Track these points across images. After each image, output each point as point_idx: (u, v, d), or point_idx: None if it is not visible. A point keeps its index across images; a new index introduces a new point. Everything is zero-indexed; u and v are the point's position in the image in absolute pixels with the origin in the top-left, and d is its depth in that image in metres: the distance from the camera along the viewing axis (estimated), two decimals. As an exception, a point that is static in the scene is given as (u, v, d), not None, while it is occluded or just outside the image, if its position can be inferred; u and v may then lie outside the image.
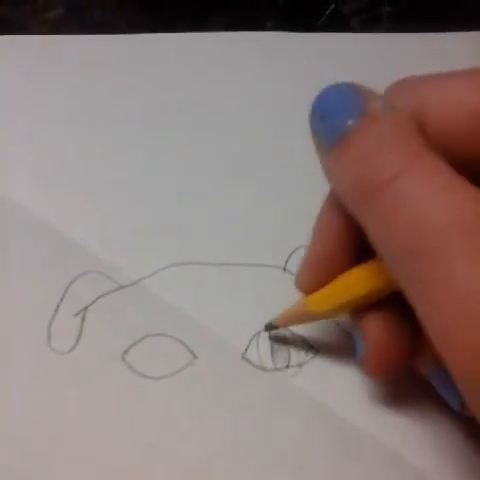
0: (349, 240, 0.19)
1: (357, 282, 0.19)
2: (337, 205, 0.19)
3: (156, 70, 0.33)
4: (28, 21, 0.36)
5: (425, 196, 0.15)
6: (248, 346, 0.23)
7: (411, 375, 0.21)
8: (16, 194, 0.27)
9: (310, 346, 0.23)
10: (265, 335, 0.23)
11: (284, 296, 0.25)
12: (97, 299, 0.24)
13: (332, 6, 0.35)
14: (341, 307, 0.20)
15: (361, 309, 0.20)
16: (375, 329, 0.19)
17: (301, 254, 0.26)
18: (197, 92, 0.32)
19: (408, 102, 0.17)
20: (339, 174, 0.17)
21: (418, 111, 0.17)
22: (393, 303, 0.19)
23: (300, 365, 0.23)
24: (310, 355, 0.23)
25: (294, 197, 0.28)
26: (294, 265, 0.26)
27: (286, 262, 0.26)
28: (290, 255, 0.26)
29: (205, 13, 0.36)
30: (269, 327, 0.23)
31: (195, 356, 0.23)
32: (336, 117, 0.16)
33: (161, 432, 0.21)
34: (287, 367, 0.23)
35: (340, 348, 0.23)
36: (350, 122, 0.16)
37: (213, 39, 0.35)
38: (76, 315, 0.24)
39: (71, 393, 0.22)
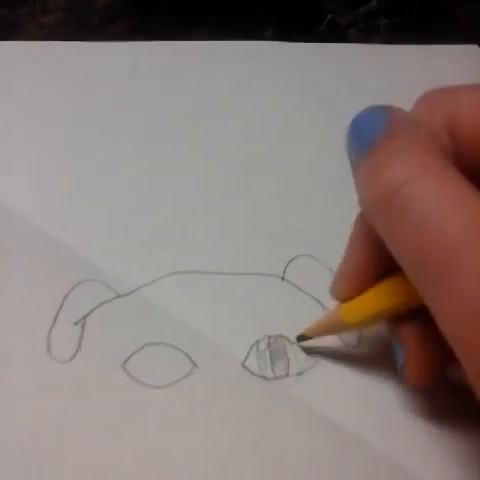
0: (381, 250, 0.18)
1: (390, 292, 0.19)
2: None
3: (154, 78, 0.33)
4: (25, 24, 0.35)
5: (434, 205, 0.15)
6: (248, 355, 0.23)
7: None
8: (16, 204, 0.27)
9: (309, 355, 0.23)
10: (264, 344, 0.24)
11: (283, 305, 0.25)
12: (96, 308, 0.24)
13: (329, 16, 0.36)
14: (377, 317, 0.20)
15: (399, 318, 0.20)
16: (413, 337, 0.19)
17: (299, 263, 0.26)
18: (196, 101, 0.32)
19: (440, 114, 0.17)
20: (359, 186, 0.17)
21: (451, 122, 0.17)
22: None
23: (299, 374, 0.23)
24: (309, 364, 0.23)
25: (293, 207, 0.28)
26: (292, 274, 0.26)
27: (284, 271, 0.26)
28: (288, 264, 0.26)
29: (203, 21, 0.36)
30: (301, 338, 0.23)
31: (195, 365, 0.23)
32: (365, 136, 0.17)
33: (161, 441, 0.21)
34: (286, 376, 0.23)
35: (339, 357, 0.23)
36: (375, 139, 0.16)
37: (211, 48, 0.35)
38: (76, 324, 0.24)
39: (71, 402, 0.22)
